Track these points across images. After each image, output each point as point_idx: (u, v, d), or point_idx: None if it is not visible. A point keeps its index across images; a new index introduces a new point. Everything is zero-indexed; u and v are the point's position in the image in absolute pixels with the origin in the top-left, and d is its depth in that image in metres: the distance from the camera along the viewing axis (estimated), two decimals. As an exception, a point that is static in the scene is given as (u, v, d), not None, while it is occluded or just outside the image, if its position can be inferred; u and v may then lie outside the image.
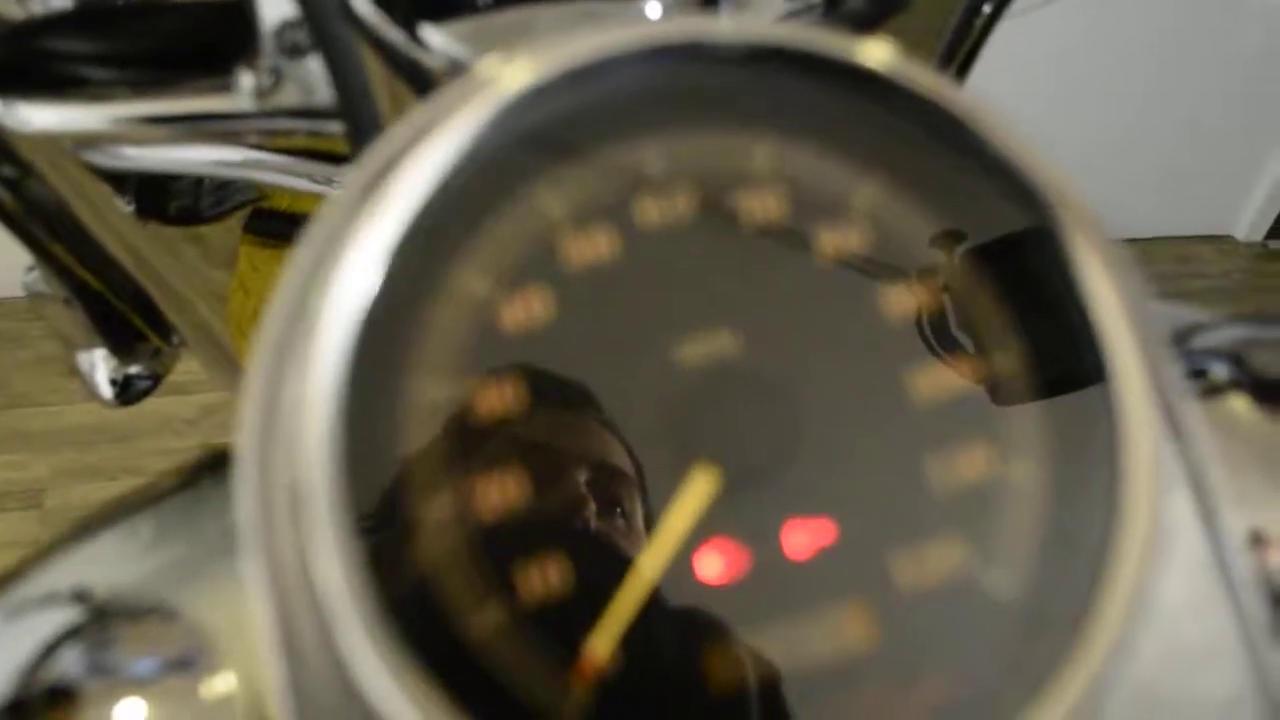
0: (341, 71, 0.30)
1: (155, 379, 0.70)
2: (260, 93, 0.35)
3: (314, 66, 0.35)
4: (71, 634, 0.27)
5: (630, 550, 0.19)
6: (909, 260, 0.21)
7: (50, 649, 0.27)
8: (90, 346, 0.65)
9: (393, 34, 0.34)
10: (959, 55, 0.49)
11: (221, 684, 0.26)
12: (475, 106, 0.20)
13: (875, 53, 0.22)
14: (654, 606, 0.18)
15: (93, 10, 0.35)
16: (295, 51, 0.35)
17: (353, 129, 0.31)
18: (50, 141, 0.39)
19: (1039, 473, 0.20)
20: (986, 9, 0.48)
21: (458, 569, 0.18)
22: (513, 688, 0.18)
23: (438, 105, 0.20)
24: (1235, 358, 0.31)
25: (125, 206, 0.45)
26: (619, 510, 0.19)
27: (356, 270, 0.18)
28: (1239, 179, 2.80)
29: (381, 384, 0.19)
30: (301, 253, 0.19)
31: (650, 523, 0.19)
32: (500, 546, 0.18)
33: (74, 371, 0.67)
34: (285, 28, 0.34)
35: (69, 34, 0.35)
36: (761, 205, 0.21)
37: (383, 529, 0.18)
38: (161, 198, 0.47)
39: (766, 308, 0.20)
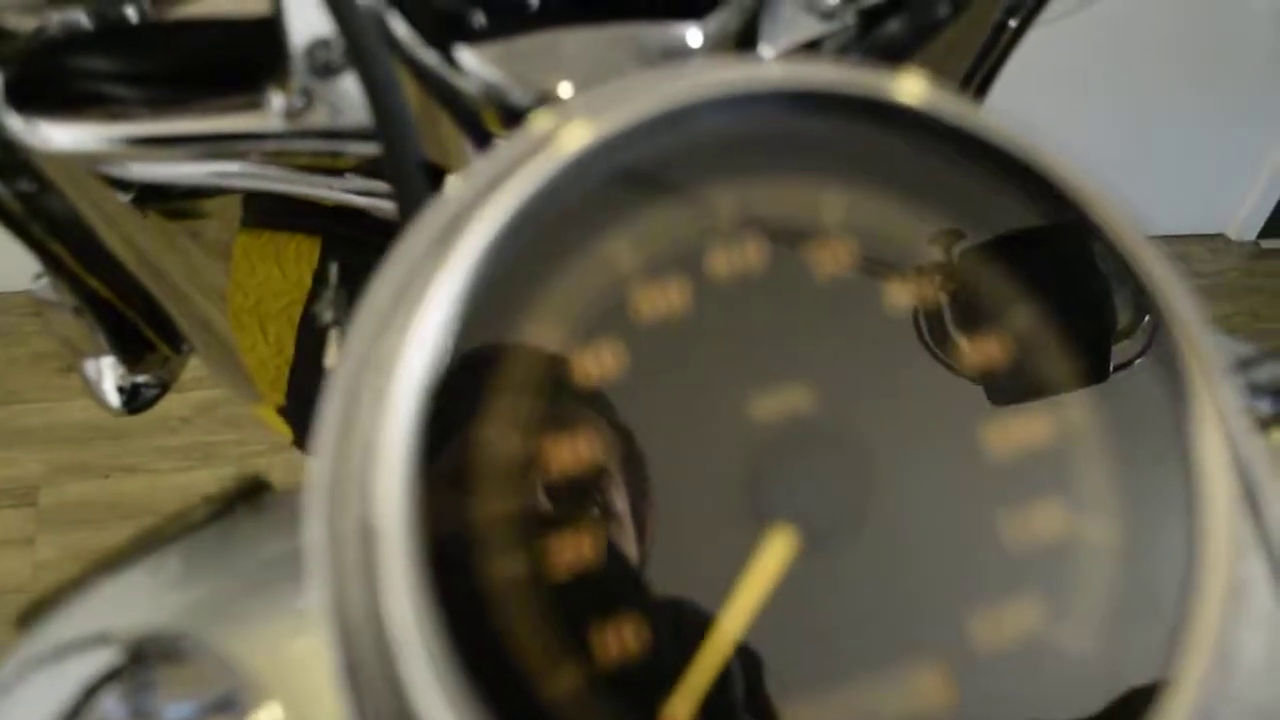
0: (381, 95, 0.30)
1: (163, 387, 0.70)
2: (291, 113, 0.34)
3: (345, 87, 0.34)
4: (110, 677, 0.27)
5: (709, 610, 0.18)
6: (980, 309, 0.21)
7: (89, 694, 0.26)
8: (97, 354, 0.65)
9: (427, 56, 0.33)
10: (982, 71, 0.49)
11: (266, 721, 0.26)
12: (539, 163, 0.19)
13: (931, 95, 0.22)
14: (732, 667, 0.18)
15: (119, 28, 0.34)
16: (327, 71, 0.34)
17: (391, 152, 0.30)
18: (69, 156, 0.38)
19: (1113, 528, 0.20)
20: (1012, 24, 0.48)
21: (530, 626, 0.18)
22: None
23: (501, 160, 0.20)
24: (1278, 393, 0.31)
25: (124, 197, 0.44)
26: (696, 569, 0.19)
27: (430, 322, 0.18)
28: (1231, 178, 2.81)
29: (455, 436, 0.18)
30: (371, 301, 0.19)
31: (727, 582, 0.19)
32: (576, 605, 0.18)
33: (81, 379, 0.67)
34: (316, 47, 0.34)
35: (95, 52, 0.35)
36: (830, 254, 0.21)
37: (457, 581, 0.18)
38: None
39: (838, 360, 0.20)
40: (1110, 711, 0.19)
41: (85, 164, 0.38)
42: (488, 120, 0.35)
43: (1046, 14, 0.49)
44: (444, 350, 0.18)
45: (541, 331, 0.19)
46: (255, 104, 0.35)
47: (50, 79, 0.35)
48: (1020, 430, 0.20)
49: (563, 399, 0.19)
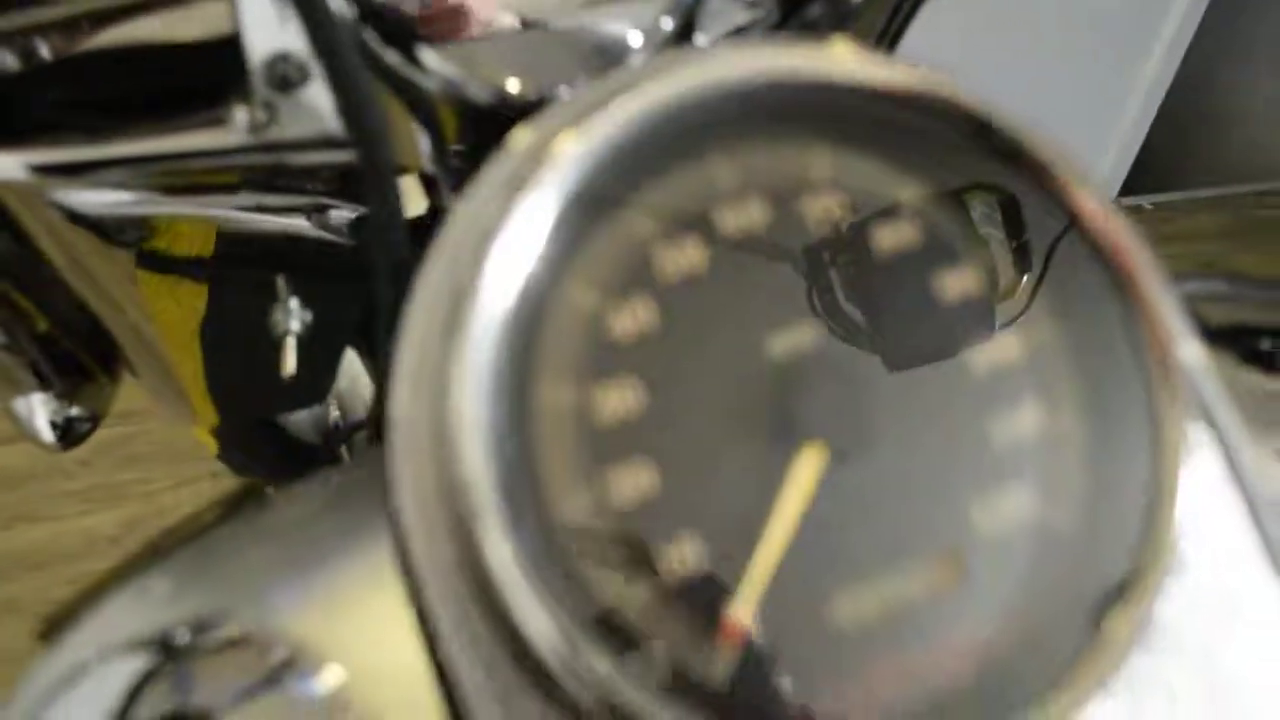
0: (356, 102, 0.31)
1: (94, 420, 0.69)
2: (255, 128, 0.35)
3: (307, 98, 0.35)
4: (148, 678, 0.28)
5: (758, 522, 0.21)
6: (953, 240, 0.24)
7: (131, 699, 0.27)
8: (28, 391, 0.64)
9: (390, 56, 0.35)
10: (885, 41, 0.53)
11: (323, 684, 0.27)
12: (558, 162, 0.22)
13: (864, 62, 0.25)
14: (782, 571, 0.21)
15: (75, 57, 0.35)
16: (286, 85, 0.35)
17: (367, 157, 0.32)
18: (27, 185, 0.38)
19: (1082, 424, 0.23)
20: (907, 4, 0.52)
21: (604, 553, 0.20)
22: (659, 647, 0.20)
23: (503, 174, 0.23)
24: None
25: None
26: (743, 488, 0.21)
27: (491, 302, 0.21)
28: (1088, 140, 2.95)
29: (521, 392, 0.20)
30: (421, 298, 0.21)
31: (770, 496, 0.21)
32: (642, 530, 0.20)
33: (10, 418, 0.65)
34: (275, 60, 0.35)
35: (52, 81, 0.35)
36: (821, 208, 0.23)
37: (540, 522, 0.20)
38: None
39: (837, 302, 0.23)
40: (1098, 578, 0.22)
41: (42, 190, 0.38)
42: (443, 116, 0.37)
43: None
44: (506, 323, 0.21)
45: (582, 299, 0.21)
46: (219, 120, 0.35)
47: (7, 109, 0.36)
48: (998, 350, 0.23)
49: (608, 350, 0.21)
